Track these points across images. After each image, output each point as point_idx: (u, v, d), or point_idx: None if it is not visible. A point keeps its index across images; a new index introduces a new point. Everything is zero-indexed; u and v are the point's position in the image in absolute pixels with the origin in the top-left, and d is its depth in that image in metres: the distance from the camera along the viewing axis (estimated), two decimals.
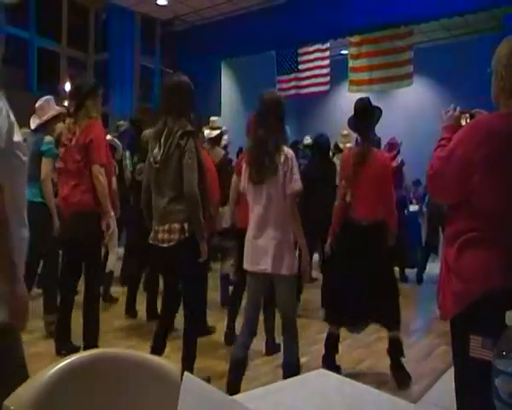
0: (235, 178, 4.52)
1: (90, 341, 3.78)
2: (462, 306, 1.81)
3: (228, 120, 9.91)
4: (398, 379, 3.76)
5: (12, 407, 1.04)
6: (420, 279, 7.68)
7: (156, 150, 3.34)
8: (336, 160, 6.40)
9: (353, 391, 1.36)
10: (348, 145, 7.01)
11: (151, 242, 3.40)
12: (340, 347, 4.06)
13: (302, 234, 3.12)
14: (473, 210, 1.82)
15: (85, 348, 3.60)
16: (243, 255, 3.25)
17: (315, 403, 1.26)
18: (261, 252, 3.09)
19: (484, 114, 1.98)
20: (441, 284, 1.94)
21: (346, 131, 7.44)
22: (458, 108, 2.11)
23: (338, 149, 7.02)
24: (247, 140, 4.15)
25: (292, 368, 3.06)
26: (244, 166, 3.25)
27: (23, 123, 3.18)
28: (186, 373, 0.96)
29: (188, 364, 3.32)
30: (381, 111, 3.93)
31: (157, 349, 3.40)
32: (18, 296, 1.57)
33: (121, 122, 6.47)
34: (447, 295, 1.89)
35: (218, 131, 5.64)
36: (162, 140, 3.31)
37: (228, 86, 11.44)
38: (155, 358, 1.30)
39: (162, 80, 10.55)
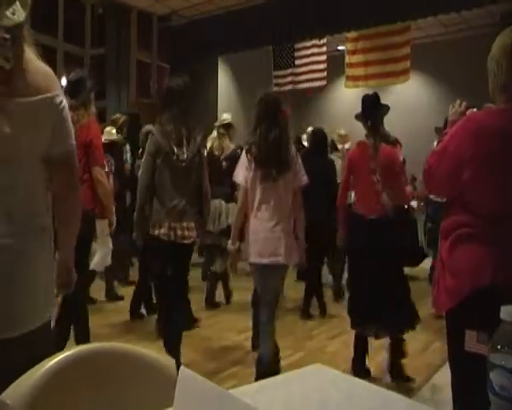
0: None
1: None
2: (454, 301, 1.82)
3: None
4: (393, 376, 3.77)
5: (8, 401, 1.04)
6: None
7: (179, 150, 3.43)
8: (334, 157, 6.08)
9: (349, 386, 1.37)
10: (347, 146, 6.85)
11: (166, 239, 3.42)
12: (337, 343, 4.08)
13: (304, 226, 3.37)
14: (465, 206, 1.82)
15: None
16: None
17: (311, 398, 1.26)
18: (274, 244, 3.20)
19: (477, 111, 1.98)
20: (436, 278, 1.96)
21: (343, 132, 7.28)
22: (464, 103, 2.09)
23: (335, 148, 6.72)
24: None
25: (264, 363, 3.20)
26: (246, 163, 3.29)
27: None
28: (182, 367, 0.96)
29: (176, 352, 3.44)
30: (388, 108, 3.89)
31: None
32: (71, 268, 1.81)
33: (117, 115, 6.35)
34: (441, 290, 1.90)
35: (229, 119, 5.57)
36: (184, 141, 3.44)
37: (225, 81, 11.42)
38: (151, 352, 1.30)
39: (158, 75, 10.53)
